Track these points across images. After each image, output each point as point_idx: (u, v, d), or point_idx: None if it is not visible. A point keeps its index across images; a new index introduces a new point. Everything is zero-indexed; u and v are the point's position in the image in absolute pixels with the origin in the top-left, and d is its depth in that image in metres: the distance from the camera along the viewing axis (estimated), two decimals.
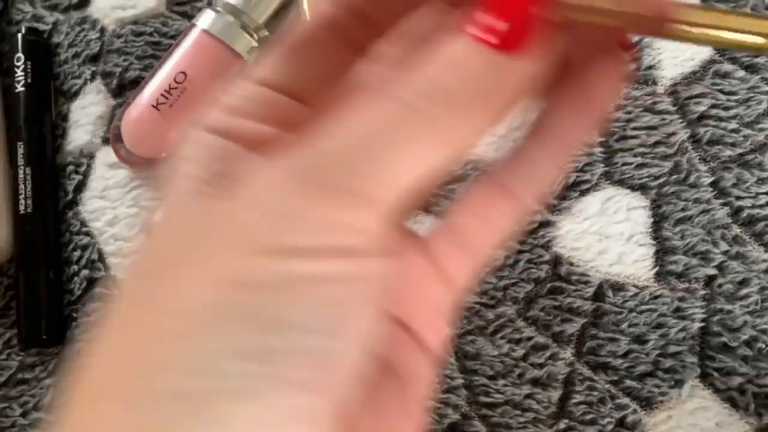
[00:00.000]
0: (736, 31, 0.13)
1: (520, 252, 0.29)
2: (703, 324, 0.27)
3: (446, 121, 0.12)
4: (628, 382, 0.27)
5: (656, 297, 0.28)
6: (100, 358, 0.13)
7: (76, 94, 0.34)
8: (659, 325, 0.27)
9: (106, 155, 0.33)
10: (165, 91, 0.30)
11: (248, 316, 0.12)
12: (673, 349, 0.27)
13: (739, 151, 0.29)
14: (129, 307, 0.13)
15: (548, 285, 0.28)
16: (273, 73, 0.15)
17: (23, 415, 0.30)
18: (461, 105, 0.12)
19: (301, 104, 0.15)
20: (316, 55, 0.15)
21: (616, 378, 0.27)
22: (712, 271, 0.28)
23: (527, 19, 0.12)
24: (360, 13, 0.15)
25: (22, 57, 0.33)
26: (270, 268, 0.12)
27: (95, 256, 0.32)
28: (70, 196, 0.33)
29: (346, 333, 0.12)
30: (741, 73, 0.30)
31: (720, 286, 0.28)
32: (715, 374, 0.27)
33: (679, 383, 0.27)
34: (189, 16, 0.34)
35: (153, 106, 0.30)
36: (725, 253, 0.28)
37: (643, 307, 0.28)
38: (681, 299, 0.28)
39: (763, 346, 0.27)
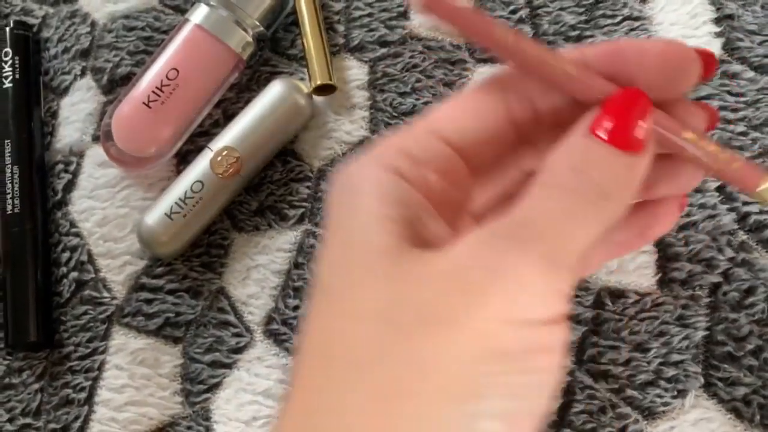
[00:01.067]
0: None
1: None
2: (707, 332, 0.27)
3: (604, 209, 0.17)
4: (630, 391, 0.26)
5: (659, 304, 0.27)
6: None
7: (65, 90, 0.33)
8: (661, 333, 0.27)
9: (96, 154, 0.32)
10: (157, 87, 0.30)
11: (500, 383, 0.15)
12: (675, 357, 0.27)
13: (747, 154, 0.28)
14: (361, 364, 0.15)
15: None
16: (456, 135, 0.18)
17: (10, 420, 0.30)
18: (613, 196, 0.17)
19: (466, 166, 0.19)
20: (491, 133, 0.19)
21: (617, 386, 0.27)
22: (717, 279, 0.27)
23: (649, 129, 0.17)
24: (533, 108, 0.19)
25: (10, 52, 0.32)
26: (518, 336, 0.15)
27: (84, 258, 0.31)
28: (59, 195, 0.32)
29: (550, 394, 0.16)
30: (750, 74, 0.29)
31: (725, 294, 0.27)
32: (719, 384, 0.26)
33: (682, 393, 0.26)
34: (182, 11, 0.33)
35: (144, 103, 0.30)
36: (731, 260, 0.27)
37: (645, 315, 0.27)
38: (684, 307, 0.27)
39: None
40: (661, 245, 0.28)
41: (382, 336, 0.15)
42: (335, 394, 0.15)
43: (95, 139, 0.32)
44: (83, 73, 0.33)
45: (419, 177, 0.17)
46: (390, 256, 0.16)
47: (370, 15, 0.32)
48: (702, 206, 0.28)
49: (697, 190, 0.28)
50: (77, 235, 0.31)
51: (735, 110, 0.28)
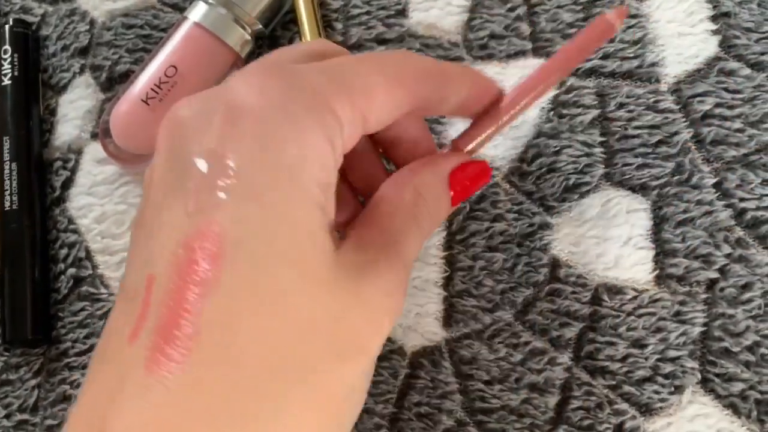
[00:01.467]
0: None
1: (519, 255, 0.28)
2: (704, 328, 0.27)
3: (427, 228, 0.21)
4: (627, 388, 0.26)
5: (656, 300, 0.27)
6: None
7: (64, 87, 0.33)
8: (659, 329, 0.27)
9: (94, 150, 0.32)
10: (155, 85, 0.30)
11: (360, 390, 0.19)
12: (672, 353, 0.27)
13: (743, 151, 0.28)
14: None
15: (546, 288, 0.28)
16: (375, 128, 0.18)
17: (7, 417, 0.30)
18: (433, 223, 0.21)
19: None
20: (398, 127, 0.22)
21: (614, 383, 0.27)
22: (714, 275, 0.27)
23: (466, 195, 0.22)
24: (437, 110, 0.21)
25: (9, 49, 0.32)
26: (364, 371, 0.18)
27: (82, 254, 0.31)
28: (57, 192, 0.32)
29: None
30: (746, 71, 0.29)
31: (722, 290, 0.27)
32: (716, 380, 0.26)
33: (679, 389, 0.26)
34: (180, 9, 0.33)
35: (143, 100, 0.30)
36: (728, 256, 0.27)
37: (642, 311, 0.27)
38: (681, 303, 0.27)
39: (767, 351, 0.26)
40: (659, 241, 0.28)
41: (316, 352, 0.16)
42: (252, 402, 0.15)
43: (94, 136, 0.32)
44: (82, 71, 0.33)
45: (339, 164, 0.17)
46: (328, 263, 0.16)
47: (368, 13, 0.32)
48: (699, 203, 0.28)
49: (694, 187, 0.28)
50: (75, 231, 0.31)
51: (731, 107, 0.29)
